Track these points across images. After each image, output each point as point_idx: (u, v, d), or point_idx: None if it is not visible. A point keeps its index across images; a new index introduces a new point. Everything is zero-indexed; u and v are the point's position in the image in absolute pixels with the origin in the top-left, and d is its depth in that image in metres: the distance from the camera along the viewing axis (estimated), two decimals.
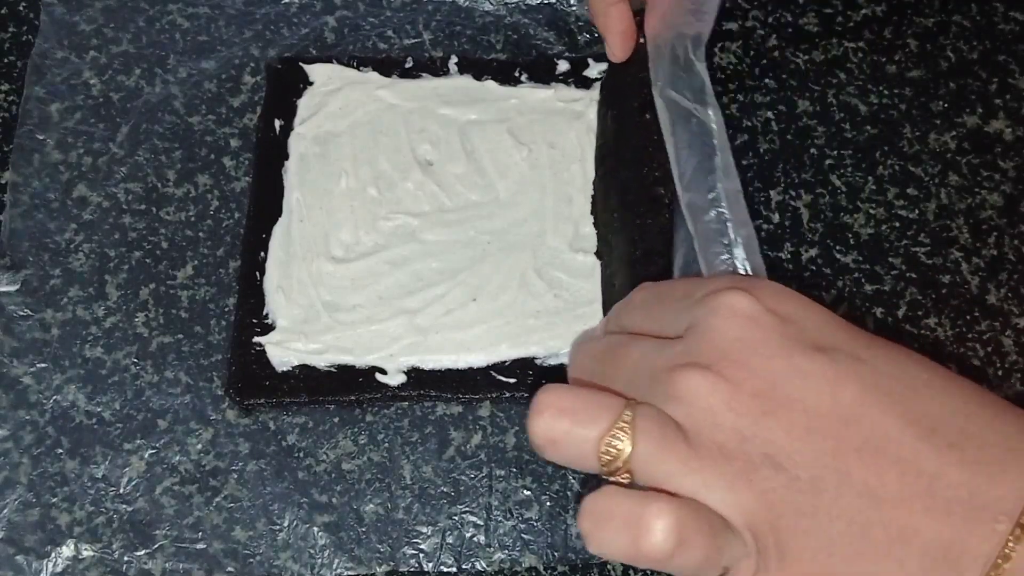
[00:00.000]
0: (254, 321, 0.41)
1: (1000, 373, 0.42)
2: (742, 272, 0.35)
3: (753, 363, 0.30)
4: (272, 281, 0.42)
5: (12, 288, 0.42)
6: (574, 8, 0.48)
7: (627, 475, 0.31)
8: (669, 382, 0.30)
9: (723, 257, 0.36)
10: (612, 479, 0.31)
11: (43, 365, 0.41)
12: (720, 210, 0.36)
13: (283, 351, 0.41)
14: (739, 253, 0.36)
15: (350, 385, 0.40)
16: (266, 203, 0.43)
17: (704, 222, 0.37)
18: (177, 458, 0.40)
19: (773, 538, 0.30)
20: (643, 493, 0.30)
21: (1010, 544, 0.28)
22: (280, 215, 0.43)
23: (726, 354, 0.30)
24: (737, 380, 0.30)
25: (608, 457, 0.30)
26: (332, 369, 0.41)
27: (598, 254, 0.43)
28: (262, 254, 0.42)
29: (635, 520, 0.29)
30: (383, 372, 0.41)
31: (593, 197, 0.44)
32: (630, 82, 0.41)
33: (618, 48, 0.42)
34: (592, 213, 0.44)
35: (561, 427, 0.31)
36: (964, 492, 0.29)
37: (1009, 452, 0.29)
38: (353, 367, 0.41)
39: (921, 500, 0.29)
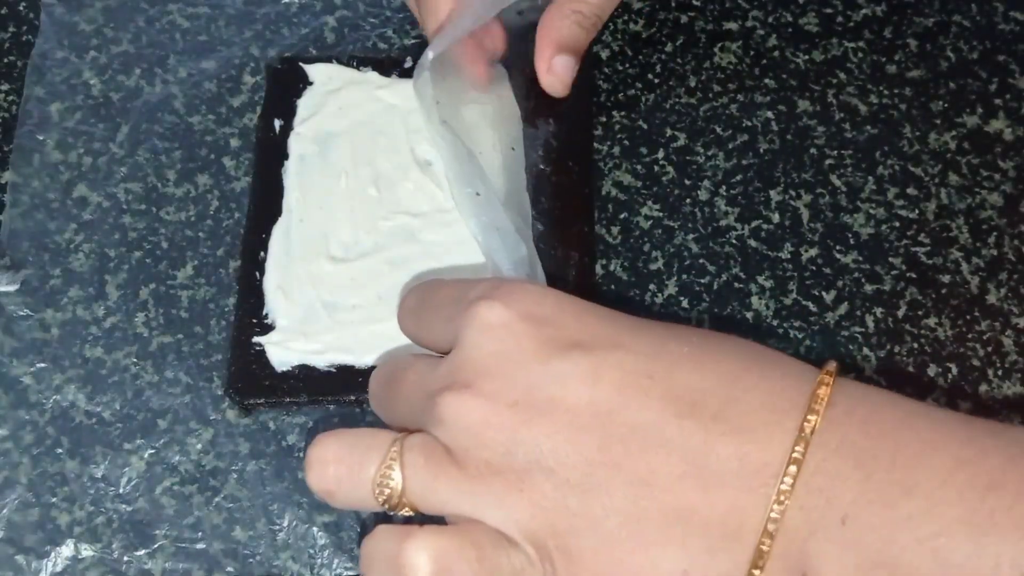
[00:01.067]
0: (254, 321, 0.41)
1: (1000, 373, 0.42)
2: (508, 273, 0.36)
3: (509, 374, 0.30)
4: (272, 281, 0.42)
5: (12, 288, 0.42)
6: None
7: (407, 509, 0.31)
8: (434, 407, 0.31)
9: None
10: (399, 514, 0.31)
11: (43, 365, 0.41)
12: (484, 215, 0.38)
13: (283, 351, 0.41)
14: (502, 260, 0.37)
15: (350, 385, 0.40)
16: (266, 203, 0.44)
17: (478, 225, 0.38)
18: (177, 458, 0.40)
19: (554, 543, 0.30)
20: (404, 529, 0.30)
21: (775, 507, 0.28)
22: (280, 215, 0.43)
23: (484, 370, 0.30)
24: (495, 394, 0.30)
25: (384, 496, 0.31)
26: (332, 369, 0.41)
27: None
28: (262, 254, 0.42)
29: (395, 559, 0.30)
30: None
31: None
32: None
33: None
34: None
35: (334, 477, 0.32)
36: (734, 463, 0.29)
37: (773, 413, 0.29)
38: (353, 367, 0.41)
39: (692, 478, 0.29)
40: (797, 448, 0.28)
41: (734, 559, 0.29)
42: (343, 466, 0.32)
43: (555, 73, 0.41)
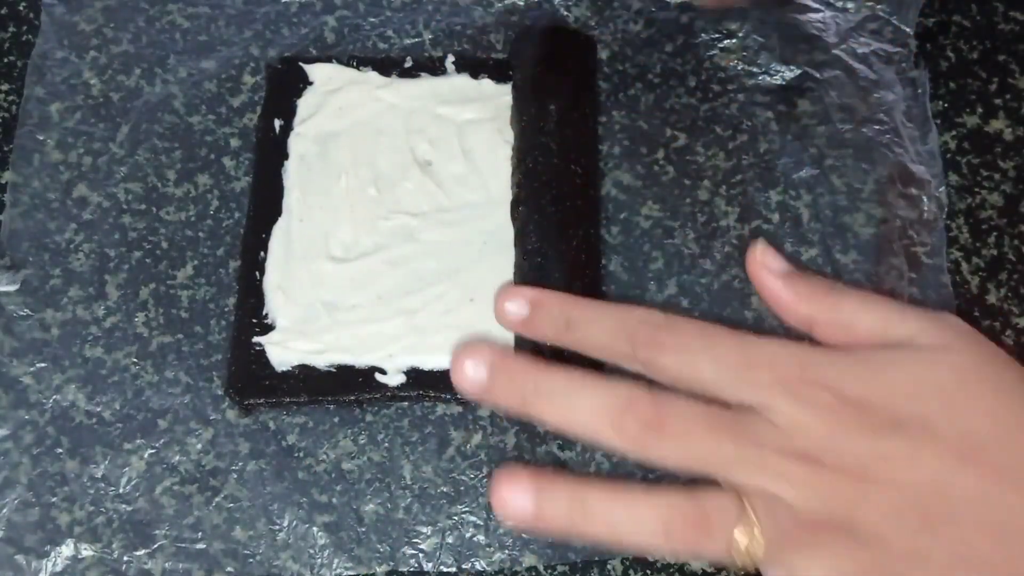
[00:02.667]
0: (254, 321, 0.41)
1: None
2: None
3: (845, 452, 0.32)
4: (272, 281, 0.42)
5: (12, 288, 0.42)
6: (573, 8, 0.48)
7: (750, 560, 0.33)
8: (781, 469, 0.32)
9: None
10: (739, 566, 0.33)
11: (43, 365, 0.41)
12: None
13: (283, 351, 0.41)
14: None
15: (350, 385, 0.40)
16: (266, 203, 0.43)
17: None
18: (177, 458, 0.40)
19: None
20: None
21: None
22: (280, 215, 0.43)
23: (822, 445, 0.32)
24: (836, 468, 0.32)
25: (740, 552, 0.33)
26: (332, 369, 0.41)
27: None
28: (262, 254, 0.42)
29: None
30: (383, 372, 0.41)
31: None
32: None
33: None
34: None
35: (691, 540, 0.33)
36: None
37: None
38: (352, 367, 0.41)
39: (1002, 547, 0.31)
40: None
41: None
42: (697, 529, 0.33)
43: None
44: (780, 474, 0.32)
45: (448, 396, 0.41)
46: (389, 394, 0.40)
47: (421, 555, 0.39)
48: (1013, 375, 0.33)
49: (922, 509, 0.32)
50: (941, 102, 0.47)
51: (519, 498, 0.32)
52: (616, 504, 0.33)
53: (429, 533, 0.39)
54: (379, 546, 0.39)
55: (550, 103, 0.43)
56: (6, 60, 0.48)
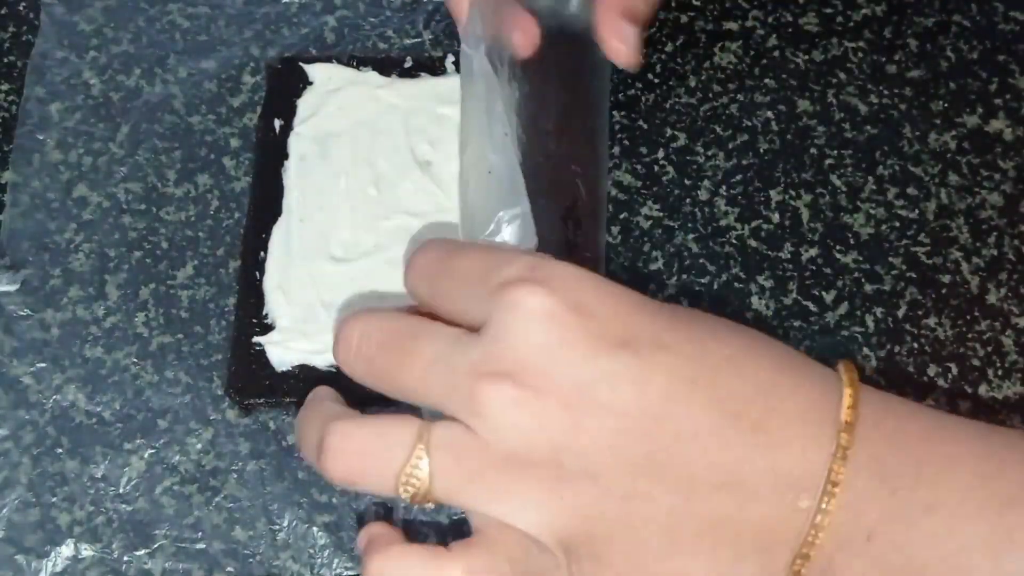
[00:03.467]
0: (254, 321, 0.41)
1: (1000, 373, 0.42)
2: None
3: (558, 371, 0.29)
4: (272, 281, 0.42)
5: (12, 288, 0.42)
6: (573, 8, 0.48)
7: (431, 504, 0.30)
8: (471, 395, 0.29)
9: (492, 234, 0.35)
10: (418, 506, 0.31)
11: (43, 365, 0.41)
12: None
13: (283, 351, 0.41)
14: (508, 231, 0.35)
15: (350, 386, 0.40)
16: (266, 203, 0.43)
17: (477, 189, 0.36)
18: (177, 458, 0.40)
19: (586, 549, 0.29)
20: (432, 554, 0.30)
21: (811, 529, 0.28)
22: (280, 215, 0.43)
23: (529, 363, 0.29)
24: (543, 391, 0.29)
25: (409, 492, 0.30)
26: (332, 369, 0.40)
27: None
28: (262, 254, 0.42)
29: None
30: None
31: None
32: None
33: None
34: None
35: (357, 469, 0.30)
36: (770, 476, 0.29)
37: (808, 426, 0.29)
38: None
39: (729, 489, 0.29)
40: (835, 467, 0.29)
41: (762, 570, 0.29)
42: (367, 459, 0.30)
43: (625, 41, 0.39)
44: (469, 402, 0.29)
45: None
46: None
47: None
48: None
49: (646, 439, 0.28)
50: (941, 102, 0.47)
51: None
52: (306, 419, 0.32)
53: (429, 533, 0.39)
54: None
55: (551, 102, 0.43)
56: (6, 60, 0.48)
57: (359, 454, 0.30)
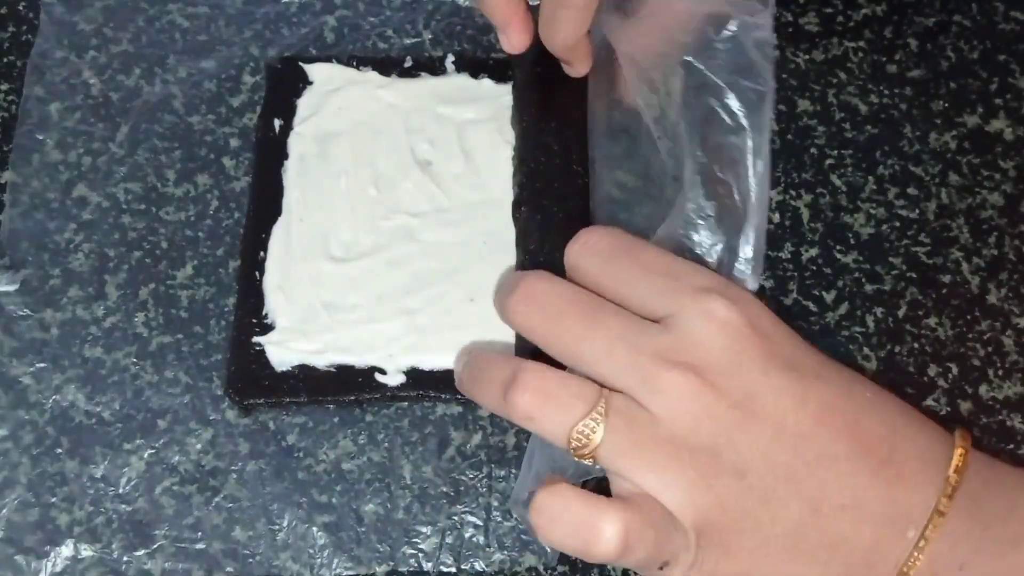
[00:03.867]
0: (253, 321, 0.41)
1: (1000, 373, 0.42)
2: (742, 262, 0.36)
3: (736, 375, 0.32)
4: (272, 281, 0.42)
5: (11, 288, 0.42)
6: None
7: (592, 460, 0.33)
8: (655, 375, 0.32)
9: (715, 246, 0.36)
10: (577, 459, 0.33)
11: (43, 365, 0.41)
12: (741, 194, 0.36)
13: (283, 351, 0.41)
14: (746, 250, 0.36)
15: (349, 385, 0.40)
16: (266, 203, 0.43)
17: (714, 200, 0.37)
18: (177, 458, 0.40)
19: (718, 537, 0.32)
20: (596, 500, 0.32)
21: (915, 553, 0.32)
22: (280, 215, 0.43)
23: (713, 362, 0.32)
24: (721, 389, 0.32)
25: (577, 444, 0.32)
26: (332, 369, 0.41)
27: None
28: (261, 254, 0.42)
29: (587, 527, 0.31)
30: (383, 372, 0.41)
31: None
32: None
33: (516, 40, 0.41)
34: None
35: (540, 408, 0.33)
36: (888, 504, 0.32)
37: (924, 465, 0.33)
38: (352, 367, 0.41)
39: (852, 511, 0.32)
40: (942, 500, 0.32)
41: None
42: (552, 401, 0.33)
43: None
44: (650, 381, 0.32)
45: (448, 396, 0.41)
46: (389, 394, 0.40)
47: (421, 555, 0.39)
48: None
49: (794, 452, 0.32)
50: (941, 102, 0.47)
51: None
52: (491, 359, 0.35)
53: (429, 533, 0.39)
54: (379, 546, 0.39)
55: (552, 103, 0.43)
56: (6, 60, 0.48)
57: (548, 395, 0.33)
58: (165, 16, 0.48)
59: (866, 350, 0.42)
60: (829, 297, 0.43)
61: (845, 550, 0.32)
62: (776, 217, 0.44)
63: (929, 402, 0.42)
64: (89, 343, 0.42)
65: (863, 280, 0.43)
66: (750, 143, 0.36)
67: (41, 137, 0.45)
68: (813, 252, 0.44)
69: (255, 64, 0.47)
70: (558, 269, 0.37)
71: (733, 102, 0.37)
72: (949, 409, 0.41)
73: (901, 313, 0.43)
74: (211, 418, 0.41)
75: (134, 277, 0.43)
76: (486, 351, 0.38)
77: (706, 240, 0.36)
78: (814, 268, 0.44)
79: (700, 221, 0.37)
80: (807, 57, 0.48)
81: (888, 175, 0.45)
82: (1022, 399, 0.42)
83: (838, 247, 0.44)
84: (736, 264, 0.36)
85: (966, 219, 0.45)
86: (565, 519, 0.32)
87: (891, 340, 0.42)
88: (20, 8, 0.49)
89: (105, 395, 0.41)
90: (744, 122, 0.36)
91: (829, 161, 0.45)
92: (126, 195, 0.45)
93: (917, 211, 0.45)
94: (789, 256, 0.44)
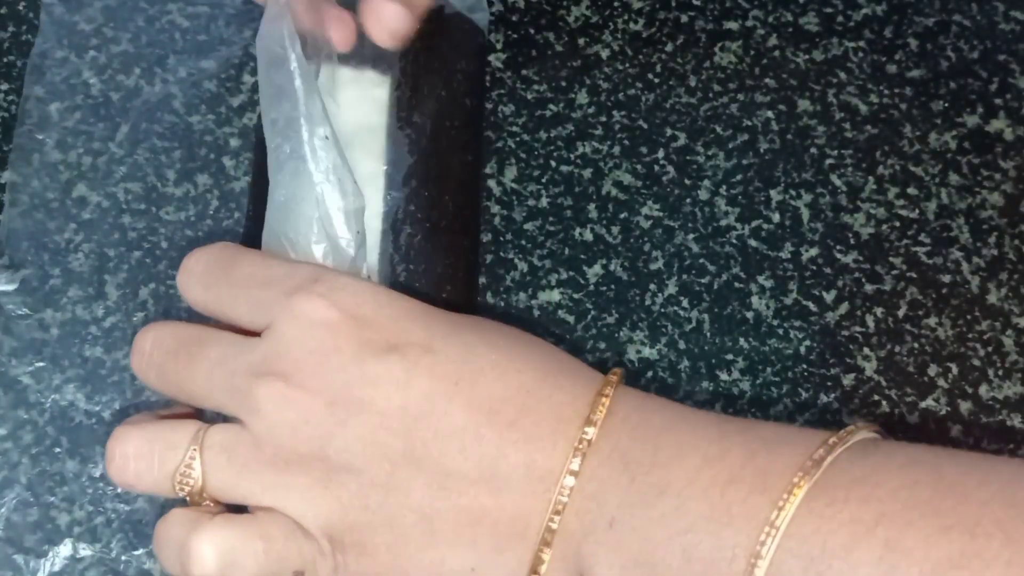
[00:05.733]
0: None
1: (1000, 373, 0.42)
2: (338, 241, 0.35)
3: (328, 373, 0.31)
4: None
5: (10, 287, 0.42)
6: (573, 8, 0.48)
7: (210, 502, 0.33)
8: (248, 393, 0.31)
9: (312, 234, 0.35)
10: (195, 504, 0.33)
11: (42, 365, 0.41)
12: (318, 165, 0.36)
13: None
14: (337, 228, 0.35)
15: None
16: (263, 201, 0.43)
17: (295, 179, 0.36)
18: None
19: (350, 537, 0.31)
20: (195, 517, 0.32)
21: (553, 516, 0.30)
22: None
23: (302, 365, 0.31)
24: (314, 391, 0.31)
25: (183, 490, 0.32)
26: None
27: None
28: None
29: (183, 547, 0.31)
30: None
31: None
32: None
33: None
34: None
35: (134, 472, 0.33)
36: (522, 470, 0.31)
37: (559, 423, 0.32)
38: None
39: (486, 483, 0.31)
40: (574, 459, 0.31)
41: (519, 559, 0.31)
42: (143, 462, 0.33)
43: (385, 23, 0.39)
44: (247, 400, 0.31)
45: None
46: None
47: None
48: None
49: (405, 435, 0.31)
50: (941, 102, 0.47)
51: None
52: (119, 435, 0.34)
53: None
54: None
55: (422, 97, 0.41)
56: (6, 60, 0.48)
57: (135, 457, 0.33)
58: (165, 16, 0.48)
59: (866, 350, 0.42)
60: (829, 297, 0.43)
61: (489, 523, 0.31)
62: (776, 217, 0.44)
63: (929, 402, 0.42)
64: (89, 343, 0.42)
65: (863, 280, 0.43)
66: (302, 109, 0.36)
67: (41, 137, 0.45)
68: (813, 252, 0.44)
69: (255, 64, 0.47)
70: (429, 279, 0.37)
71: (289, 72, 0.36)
72: (949, 409, 0.41)
73: (901, 313, 0.43)
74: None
75: (134, 277, 0.43)
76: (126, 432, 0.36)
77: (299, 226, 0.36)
78: (814, 268, 0.44)
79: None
80: (807, 57, 0.48)
81: (888, 175, 0.45)
82: (1022, 399, 0.42)
83: (838, 247, 0.44)
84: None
85: (966, 219, 0.45)
86: (167, 544, 0.32)
87: (891, 340, 0.42)
88: (20, 8, 0.49)
89: (105, 395, 0.41)
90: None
91: (829, 161, 0.45)
92: (126, 195, 0.45)
93: (917, 211, 0.45)
94: (789, 256, 0.44)
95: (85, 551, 0.39)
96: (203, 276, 0.35)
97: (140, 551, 0.39)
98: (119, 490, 0.40)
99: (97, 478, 0.40)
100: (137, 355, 0.36)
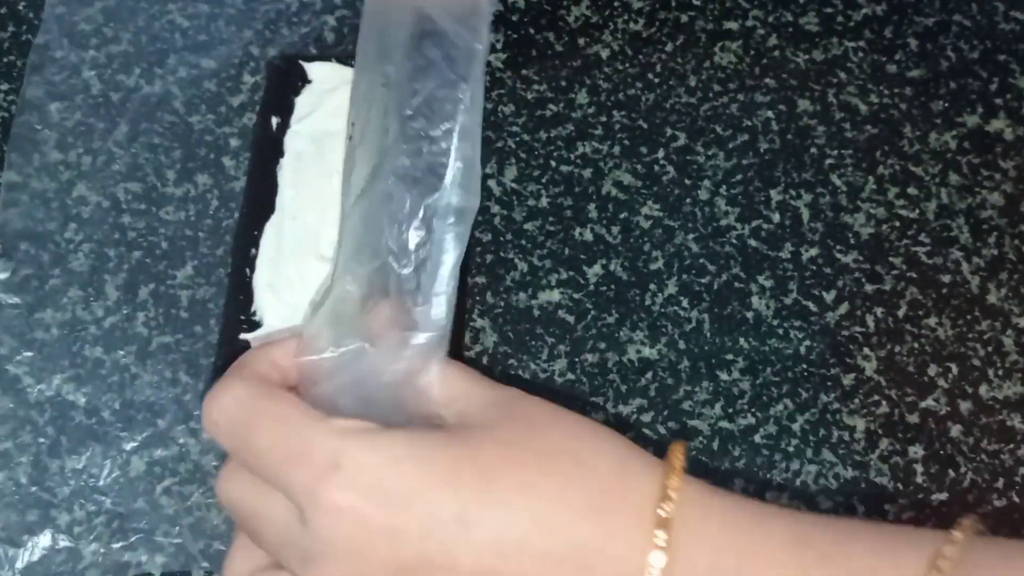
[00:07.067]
0: (242, 318, 0.41)
1: (1000, 373, 0.42)
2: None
3: (370, 572, 0.32)
4: (262, 278, 0.42)
5: (2, 275, 0.42)
6: (573, 8, 0.48)
7: None
8: None
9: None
10: None
11: (42, 364, 0.41)
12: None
13: None
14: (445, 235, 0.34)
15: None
16: (260, 200, 0.43)
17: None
18: (176, 458, 0.40)
19: None
20: None
21: None
22: (273, 213, 0.43)
23: (343, 564, 0.31)
24: None
25: None
26: None
27: None
28: (253, 251, 0.42)
29: None
30: None
31: None
32: None
33: None
34: None
35: None
36: None
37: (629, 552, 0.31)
38: None
39: None
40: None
41: None
42: None
43: None
44: None
45: None
46: None
47: None
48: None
49: None
50: (941, 102, 0.47)
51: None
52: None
53: None
54: None
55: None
56: (6, 59, 0.47)
57: None
58: (165, 15, 0.48)
59: (866, 350, 0.42)
60: (829, 297, 0.43)
61: None
62: (776, 217, 0.44)
63: (929, 402, 0.42)
64: (89, 343, 0.42)
65: (863, 280, 0.43)
66: (463, 96, 0.34)
67: (41, 136, 0.45)
68: (813, 252, 0.44)
69: (255, 63, 0.47)
70: None
71: (456, 52, 0.34)
72: (949, 409, 0.41)
73: (901, 313, 0.43)
74: None
75: (134, 277, 0.43)
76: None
77: (407, 200, 0.34)
78: (814, 268, 0.44)
79: (401, 181, 0.35)
80: (807, 57, 0.48)
81: (888, 175, 0.45)
82: (1022, 399, 0.42)
83: (838, 247, 0.44)
84: (438, 222, 0.35)
85: (966, 219, 0.45)
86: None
87: (891, 340, 0.42)
88: (20, 8, 0.49)
89: (105, 394, 0.41)
90: (460, 73, 0.34)
91: (829, 161, 0.45)
92: (126, 195, 0.45)
93: (917, 211, 0.45)
94: (789, 256, 0.44)
95: (86, 551, 0.39)
96: (227, 437, 0.34)
97: (140, 551, 0.39)
98: (119, 490, 0.40)
99: (97, 478, 0.40)
100: (221, 496, 0.36)
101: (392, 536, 0.31)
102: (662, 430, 0.41)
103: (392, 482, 0.31)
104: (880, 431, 0.41)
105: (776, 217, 0.44)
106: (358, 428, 0.32)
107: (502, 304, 0.43)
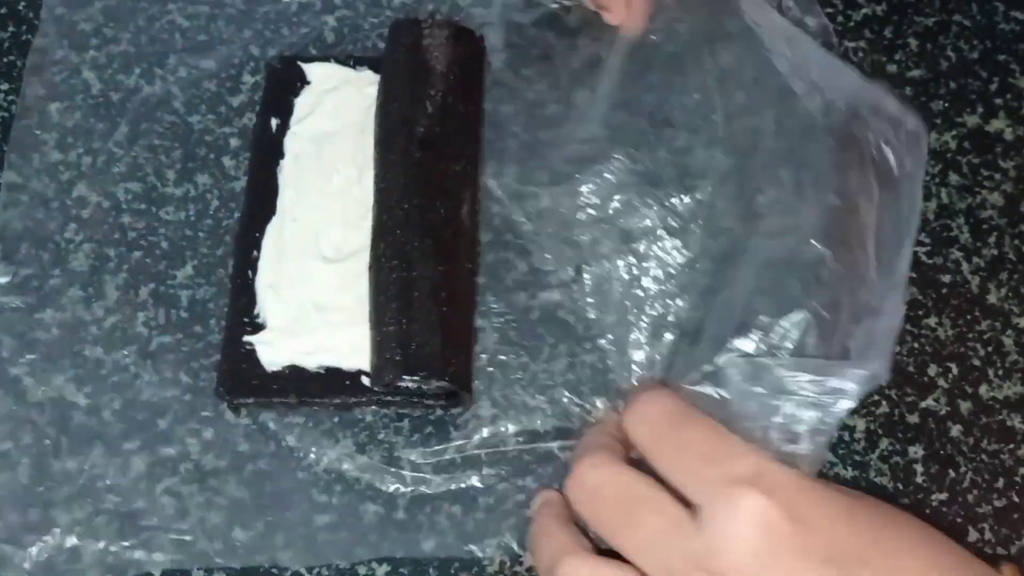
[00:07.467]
0: (245, 320, 0.41)
1: (1000, 373, 0.42)
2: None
3: None
4: (264, 280, 0.42)
5: (3, 279, 0.42)
6: (573, 9, 0.48)
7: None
8: None
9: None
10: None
11: (42, 364, 0.41)
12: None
13: (273, 351, 0.40)
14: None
15: (337, 387, 0.40)
16: (260, 202, 0.43)
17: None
18: (177, 458, 0.40)
19: None
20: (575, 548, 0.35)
21: None
22: (274, 214, 0.43)
23: (741, 568, 0.32)
24: None
25: None
26: (321, 370, 0.40)
27: None
28: (255, 252, 0.42)
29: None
30: (369, 375, 0.40)
31: None
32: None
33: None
34: None
35: None
36: None
37: None
38: (340, 369, 0.40)
39: None
40: None
41: None
42: None
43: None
44: None
45: (431, 403, 0.40)
46: (375, 398, 0.40)
47: (421, 555, 0.39)
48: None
49: None
50: (941, 102, 0.47)
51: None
52: (541, 538, 0.36)
53: (429, 533, 0.39)
54: (379, 546, 0.39)
55: (410, 126, 0.42)
56: (6, 60, 0.48)
57: None
58: (165, 16, 0.48)
59: None
60: None
61: None
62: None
63: (929, 402, 0.42)
64: (89, 343, 0.42)
65: (863, 281, 0.43)
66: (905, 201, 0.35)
67: (41, 137, 0.45)
68: None
69: (255, 64, 0.47)
70: (420, 362, 0.38)
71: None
72: (949, 409, 0.41)
73: None
74: (211, 418, 0.41)
75: (134, 277, 0.43)
76: (541, 524, 0.37)
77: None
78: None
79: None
80: None
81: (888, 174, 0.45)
82: (1022, 399, 0.42)
83: None
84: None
85: (966, 219, 0.45)
86: (542, 550, 0.35)
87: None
88: (20, 8, 0.49)
89: (105, 395, 0.41)
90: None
91: (830, 161, 0.45)
92: (126, 195, 0.45)
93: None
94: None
95: (86, 550, 0.39)
96: (654, 424, 0.35)
97: (140, 550, 0.39)
98: (119, 490, 0.40)
99: (97, 478, 0.40)
100: (576, 487, 0.36)
101: (796, 554, 0.32)
102: None
103: (805, 507, 0.32)
104: (880, 431, 0.41)
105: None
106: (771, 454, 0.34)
107: (502, 304, 0.43)
